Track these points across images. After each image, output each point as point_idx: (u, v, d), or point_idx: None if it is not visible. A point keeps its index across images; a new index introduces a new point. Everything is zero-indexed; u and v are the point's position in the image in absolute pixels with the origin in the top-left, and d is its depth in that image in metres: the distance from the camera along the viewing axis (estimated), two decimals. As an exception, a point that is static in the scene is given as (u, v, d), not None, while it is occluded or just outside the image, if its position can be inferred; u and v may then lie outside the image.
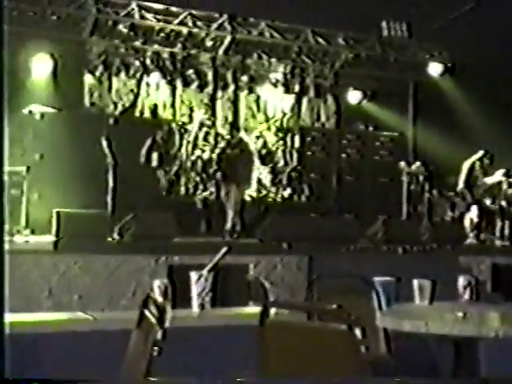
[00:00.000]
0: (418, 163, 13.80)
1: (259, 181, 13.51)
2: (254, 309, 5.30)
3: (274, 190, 13.60)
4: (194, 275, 5.92)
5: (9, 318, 3.44)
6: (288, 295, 9.93)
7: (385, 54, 14.32)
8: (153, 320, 3.64)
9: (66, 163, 11.71)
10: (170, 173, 12.72)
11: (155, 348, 3.48)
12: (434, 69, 14.39)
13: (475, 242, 12.70)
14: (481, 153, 13.50)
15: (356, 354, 3.92)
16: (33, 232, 10.84)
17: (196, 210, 12.10)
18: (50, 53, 11.89)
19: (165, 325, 3.56)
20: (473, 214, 12.78)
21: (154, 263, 9.90)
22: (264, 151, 13.64)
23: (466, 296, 6.62)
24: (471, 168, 13.50)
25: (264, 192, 13.54)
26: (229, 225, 11.72)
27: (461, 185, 13.36)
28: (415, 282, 6.02)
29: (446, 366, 5.15)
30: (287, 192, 13.71)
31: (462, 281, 6.89)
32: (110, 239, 10.69)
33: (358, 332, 3.92)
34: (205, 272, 5.95)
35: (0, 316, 3.13)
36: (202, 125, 12.86)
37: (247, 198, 13.12)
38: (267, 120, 13.74)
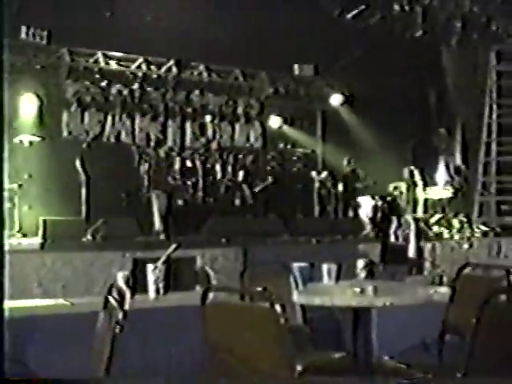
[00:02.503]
0: (325, 173, 13.93)
1: (204, 189, 13.48)
2: (200, 292, 5.28)
3: (214, 196, 13.59)
4: (150, 266, 5.89)
5: (7, 305, 3.39)
6: (228, 280, 9.90)
7: (298, 88, 14.39)
8: (115, 304, 3.60)
9: (50, 180, 11.60)
10: (130, 186, 12.64)
11: (117, 326, 3.45)
12: (336, 100, 14.49)
13: (371, 232, 12.82)
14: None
15: (277, 325, 3.93)
16: (24, 236, 10.72)
17: (153, 215, 12.02)
18: (35, 93, 11.83)
19: (125, 307, 3.53)
20: (367, 210, 12.90)
21: (121, 257, 9.83)
22: (207, 166, 13.60)
23: (363, 275, 6.67)
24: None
25: (207, 198, 13.52)
26: (158, 227, 11.70)
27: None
28: (324, 266, 6.04)
29: (347, 328, 5.20)
30: (225, 198, 13.70)
31: (360, 263, 6.95)
32: (85, 240, 10.59)
33: (278, 308, 3.92)
34: (159, 264, 5.93)
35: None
36: (156, 147, 12.83)
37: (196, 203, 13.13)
38: (208, 142, 13.70)
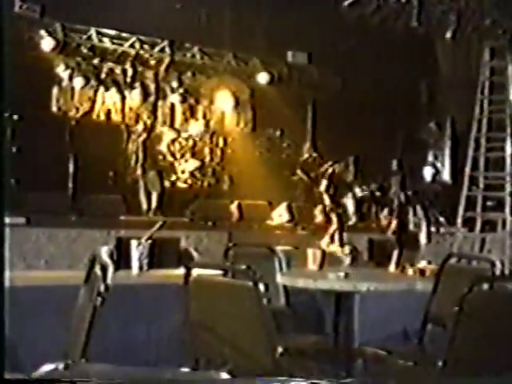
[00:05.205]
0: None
1: (191, 172, 13.38)
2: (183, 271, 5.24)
3: (201, 179, 13.48)
4: (134, 242, 5.87)
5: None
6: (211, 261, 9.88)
7: (291, 74, 14.25)
8: (97, 276, 3.56)
9: (37, 155, 11.48)
10: (118, 165, 12.54)
11: (98, 298, 3.40)
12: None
13: (357, 222, 12.78)
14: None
15: (259, 304, 3.90)
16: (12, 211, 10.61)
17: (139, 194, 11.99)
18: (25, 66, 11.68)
19: (107, 280, 3.48)
20: (352, 200, 12.86)
21: (106, 235, 9.77)
22: (196, 148, 13.50)
23: (348, 261, 6.65)
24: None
25: (194, 181, 13.41)
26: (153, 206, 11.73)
27: None
28: (309, 251, 6.03)
29: (329, 313, 5.19)
30: (212, 181, 13.60)
31: (345, 250, 6.94)
32: (70, 217, 10.54)
33: (261, 287, 3.88)
34: (143, 240, 5.89)
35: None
36: (145, 127, 12.74)
37: (182, 185, 13.05)
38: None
